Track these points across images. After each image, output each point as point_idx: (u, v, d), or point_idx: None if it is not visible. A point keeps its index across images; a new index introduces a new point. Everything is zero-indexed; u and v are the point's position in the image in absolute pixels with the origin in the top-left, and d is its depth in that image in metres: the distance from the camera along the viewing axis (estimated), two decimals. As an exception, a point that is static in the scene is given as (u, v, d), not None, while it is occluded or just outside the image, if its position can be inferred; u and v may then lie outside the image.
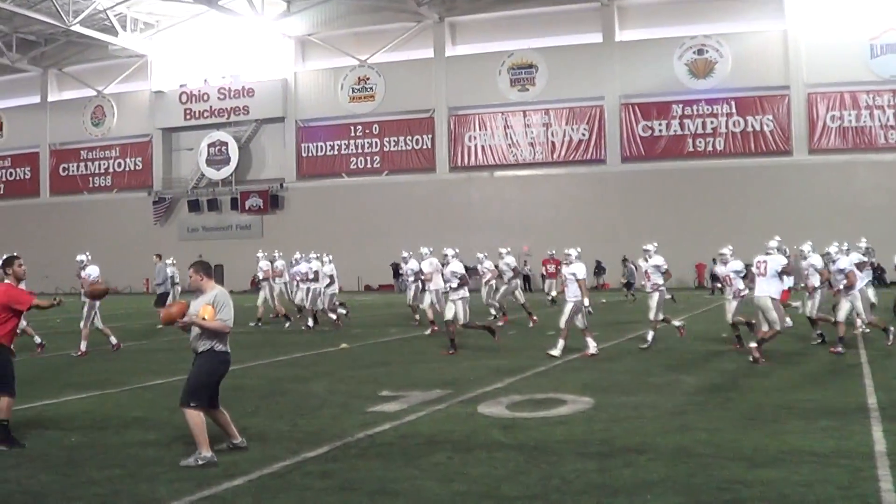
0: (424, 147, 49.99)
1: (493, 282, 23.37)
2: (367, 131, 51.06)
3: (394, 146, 50.57)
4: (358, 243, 46.99)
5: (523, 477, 7.14)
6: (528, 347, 16.98)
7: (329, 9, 49.57)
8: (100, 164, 56.45)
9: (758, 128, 44.95)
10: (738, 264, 15.79)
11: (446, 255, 17.58)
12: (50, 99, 57.38)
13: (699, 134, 45.83)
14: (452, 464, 7.60)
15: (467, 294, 16.74)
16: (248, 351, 17.37)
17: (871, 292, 18.51)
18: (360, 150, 51.19)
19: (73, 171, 56.93)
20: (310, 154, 52.07)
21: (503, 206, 47.14)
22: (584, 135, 47.31)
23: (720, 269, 17.84)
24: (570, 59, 46.82)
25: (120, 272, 46.71)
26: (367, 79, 50.75)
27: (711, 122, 45.65)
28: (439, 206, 48.21)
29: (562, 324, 15.42)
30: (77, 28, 47.21)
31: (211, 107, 53.30)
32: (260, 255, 25.20)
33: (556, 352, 15.13)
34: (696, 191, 44.83)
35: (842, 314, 15.32)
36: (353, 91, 51.03)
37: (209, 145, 53.16)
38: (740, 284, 15.60)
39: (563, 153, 47.57)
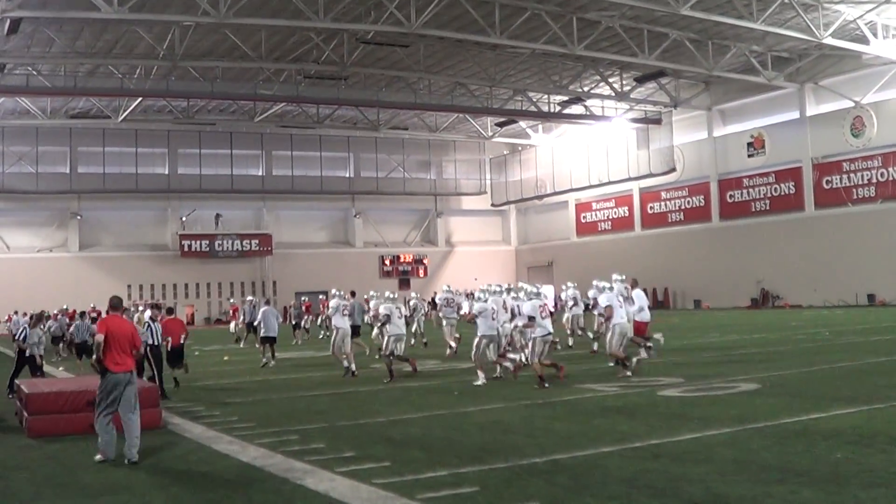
0: None
1: None
2: None
3: None
4: None
5: None
6: None
7: None
8: (862, 175, 55.27)
9: None
10: None
11: None
12: (808, 113, 57.77)
13: None
14: None
15: None
16: None
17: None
18: None
19: (835, 183, 56.65)
20: None
21: None
22: None
23: None
24: None
25: (886, 284, 47.29)
26: None
27: None
28: None
29: None
30: (828, 41, 46.90)
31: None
32: (371, 294, 25.14)
33: None
34: None
35: None
36: None
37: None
38: None
39: None
